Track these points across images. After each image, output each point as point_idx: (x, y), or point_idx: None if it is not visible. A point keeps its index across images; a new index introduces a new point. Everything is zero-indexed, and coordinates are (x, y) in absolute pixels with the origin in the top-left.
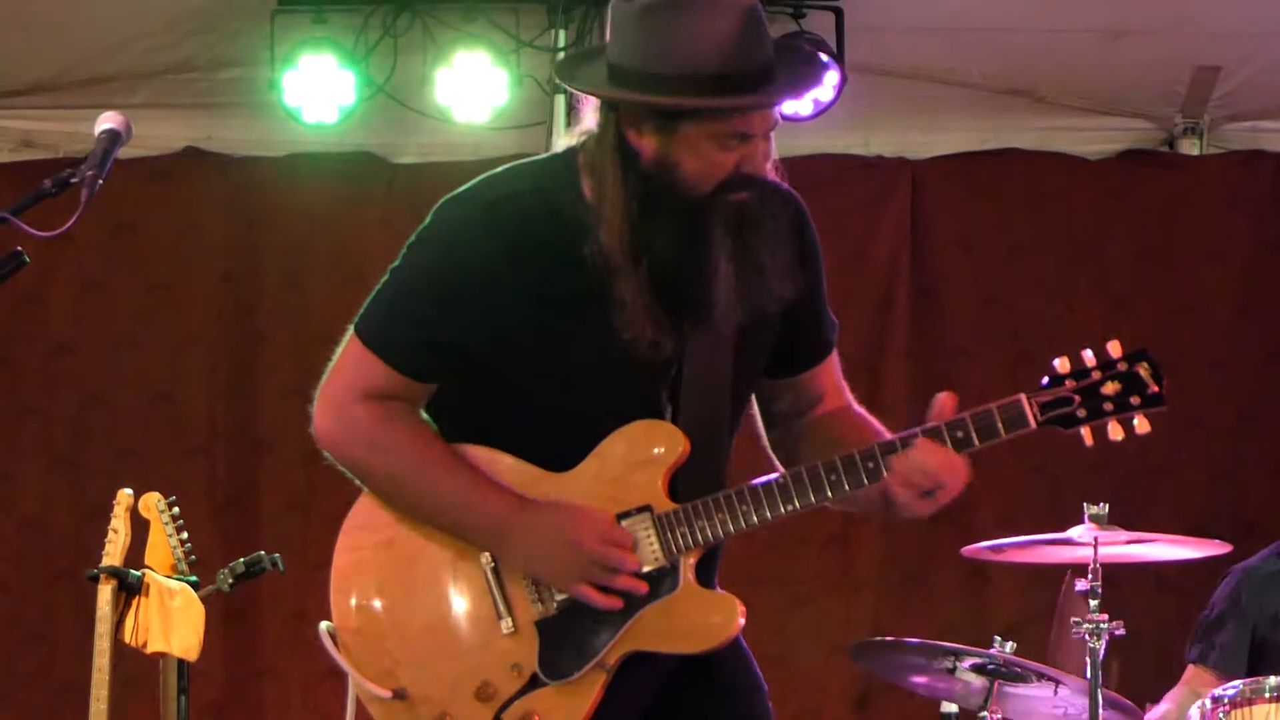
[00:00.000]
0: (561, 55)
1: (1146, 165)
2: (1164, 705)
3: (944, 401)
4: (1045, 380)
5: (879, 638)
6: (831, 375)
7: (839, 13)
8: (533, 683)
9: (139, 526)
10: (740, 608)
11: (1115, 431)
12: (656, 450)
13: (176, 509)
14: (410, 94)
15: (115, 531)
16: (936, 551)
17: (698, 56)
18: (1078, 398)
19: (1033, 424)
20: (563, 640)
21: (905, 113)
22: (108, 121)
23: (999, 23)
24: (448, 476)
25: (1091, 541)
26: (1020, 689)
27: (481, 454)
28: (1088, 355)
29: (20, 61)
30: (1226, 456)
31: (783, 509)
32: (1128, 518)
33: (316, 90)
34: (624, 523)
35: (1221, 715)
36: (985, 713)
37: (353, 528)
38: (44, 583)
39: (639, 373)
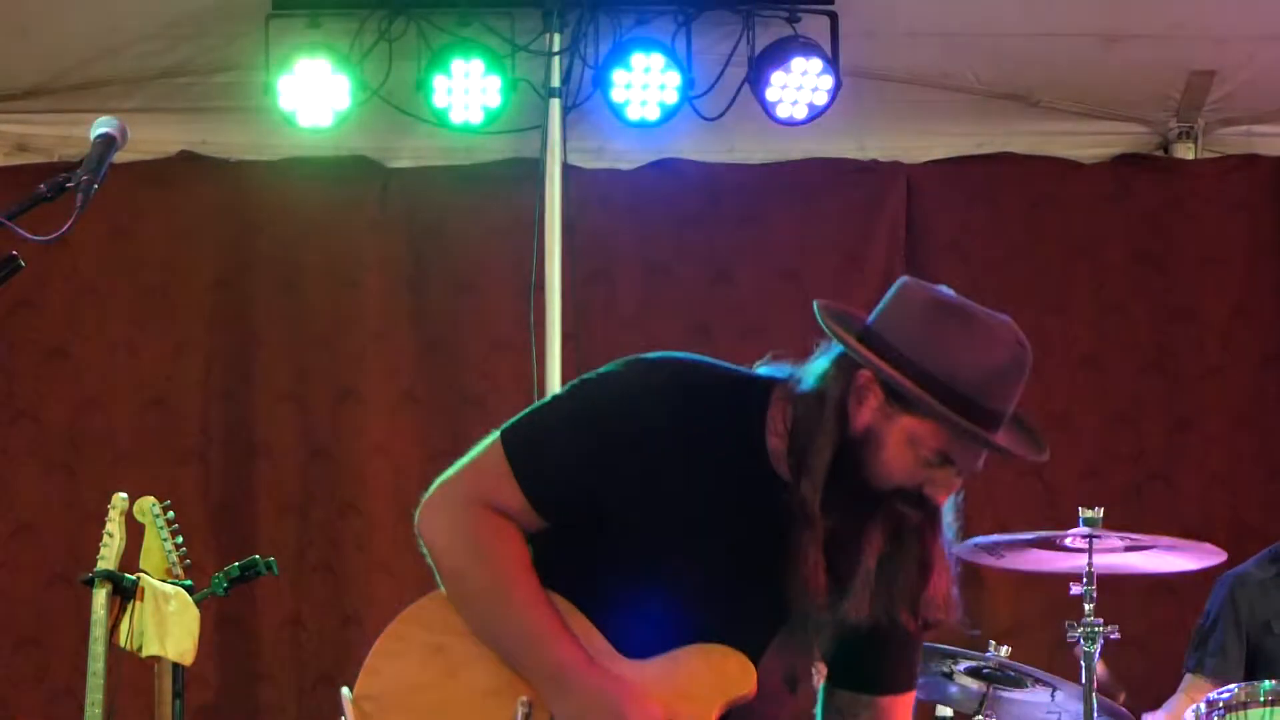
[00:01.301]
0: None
1: (1141, 169)
2: (1161, 714)
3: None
4: None
5: None
6: (906, 715)
7: (834, 16)
8: None
9: (134, 531)
10: None
11: None
12: (726, 682)
13: (171, 513)
14: (405, 98)
15: (110, 536)
16: None
17: (963, 372)
18: None
19: None
20: None
21: (900, 117)
22: (103, 126)
23: (994, 27)
24: (530, 608)
25: (1086, 546)
26: (1016, 694)
27: (562, 604)
28: None
29: (15, 65)
30: (1222, 460)
31: None
32: (1124, 521)
33: (311, 94)
34: None
35: (1216, 719)
36: (980, 717)
37: (410, 619)
38: (39, 587)
39: (744, 618)
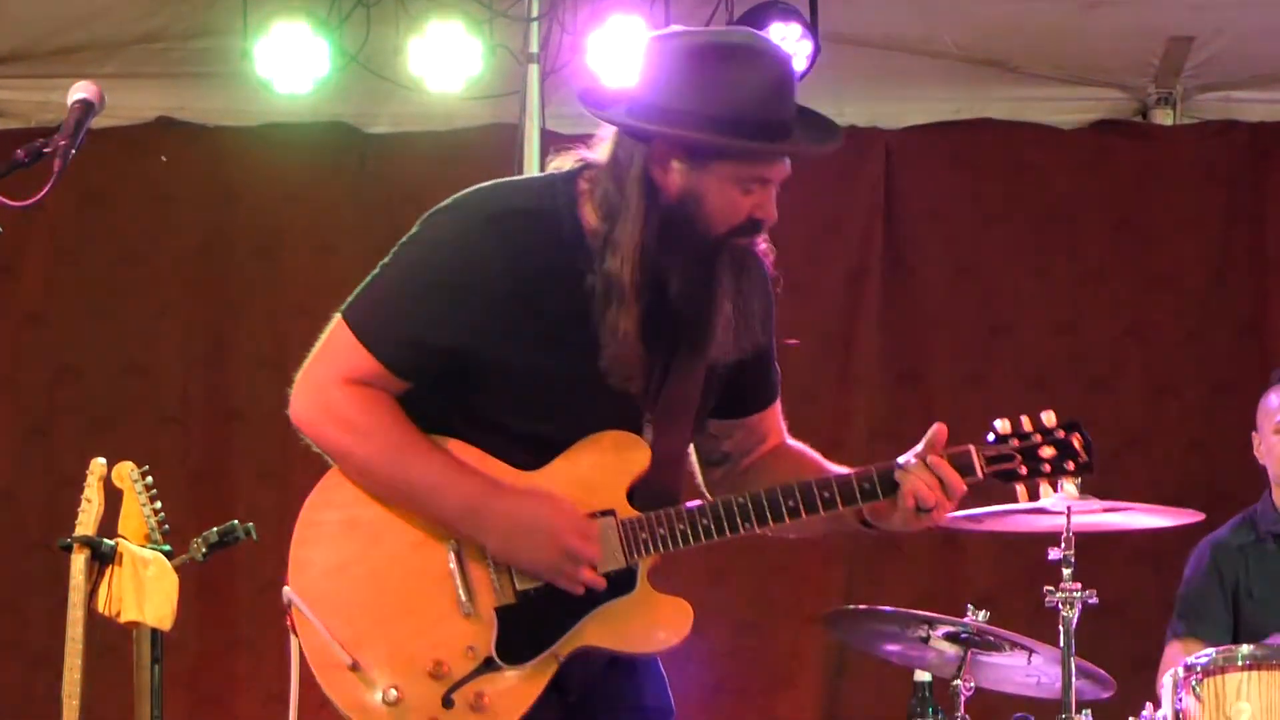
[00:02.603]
0: (581, 89)
1: (1120, 135)
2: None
3: (939, 432)
4: (990, 437)
5: (853, 606)
6: (776, 417)
7: None
8: (486, 665)
9: (112, 496)
10: (691, 616)
11: (1046, 492)
12: (624, 461)
13: (150, 478)
14: (383, 64)
15: (88, 501)
16: None
17: (744, 102)
18: (1019, 457)
19: (979, 475)
20: (521, 628)
21: (879, 83)
22: (80, 91)
23: None
24: (424, 461)
25: (1065, 510)
26: (994, 658)
27: (451, 444)
28: (1025, 421)
29: None
30: (1200, 426)
31: (743, 525)
32: (1102, 487)
33: (289, 60)
34: (594, 519)
35: (1194, 683)
36: (958, 681)
37: (317, 504)
38: (16, 553)
39: (622, 401)
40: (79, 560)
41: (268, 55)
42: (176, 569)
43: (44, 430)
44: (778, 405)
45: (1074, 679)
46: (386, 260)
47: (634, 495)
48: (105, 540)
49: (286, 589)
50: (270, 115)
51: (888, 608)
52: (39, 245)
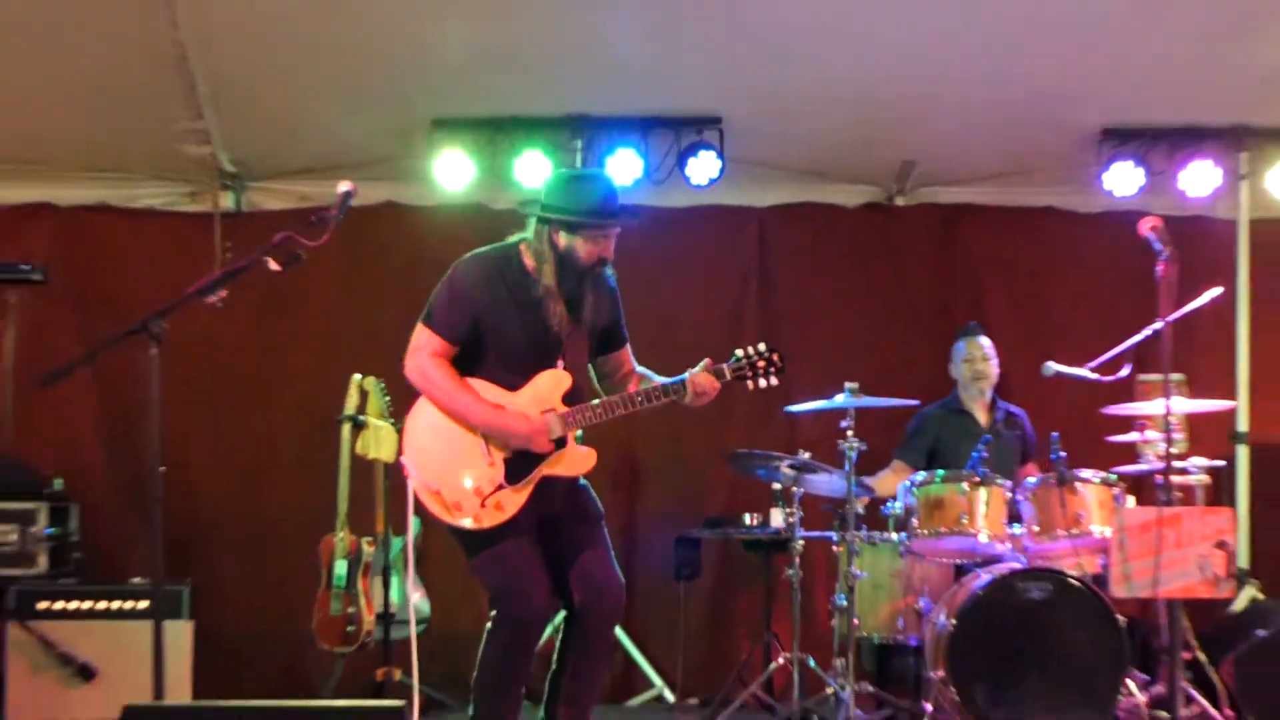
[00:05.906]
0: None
1: (877, 213)
2: (876, 479)
3: (708, 363)
4: (733, 358)
5: (743, 450)
6: (627, 355)
7: (720, 130)
8: (499, 488)
9: (365, 396)
10: (595, 456)
11: (763, 383)
12: (559, 384)
13: (384, 384)
14: (504, 170)
15: (351, 397)
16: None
17: (590, 201)
18: (748, 367)
19: (728, 376)
20: (516, 468)
21: (753, 180)
22: (345, 185)
23: (798, 124)
24: (464, 396)
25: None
26: (813, 477)
27: (478, 383)
28: (751, 349)
29: (297, 153)
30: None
31: (618, 411)
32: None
33: (451, 169)
34: (545, 415)
35: (914, 489)
36: (796, 488)
37: (414, 412)
38: (314, 429)
39: (550, 348)
40: (346, 428)
41: (441, 167)
42: (398, 432)
43: (336, 354)
44: (627, 348)
45: (852, 489)
46: (436, 288)
47: (566, 399)
48: (360, 416)
49: (401, 456)
50: (441, 199)
51: (760, 451)
52: (314, 282)
